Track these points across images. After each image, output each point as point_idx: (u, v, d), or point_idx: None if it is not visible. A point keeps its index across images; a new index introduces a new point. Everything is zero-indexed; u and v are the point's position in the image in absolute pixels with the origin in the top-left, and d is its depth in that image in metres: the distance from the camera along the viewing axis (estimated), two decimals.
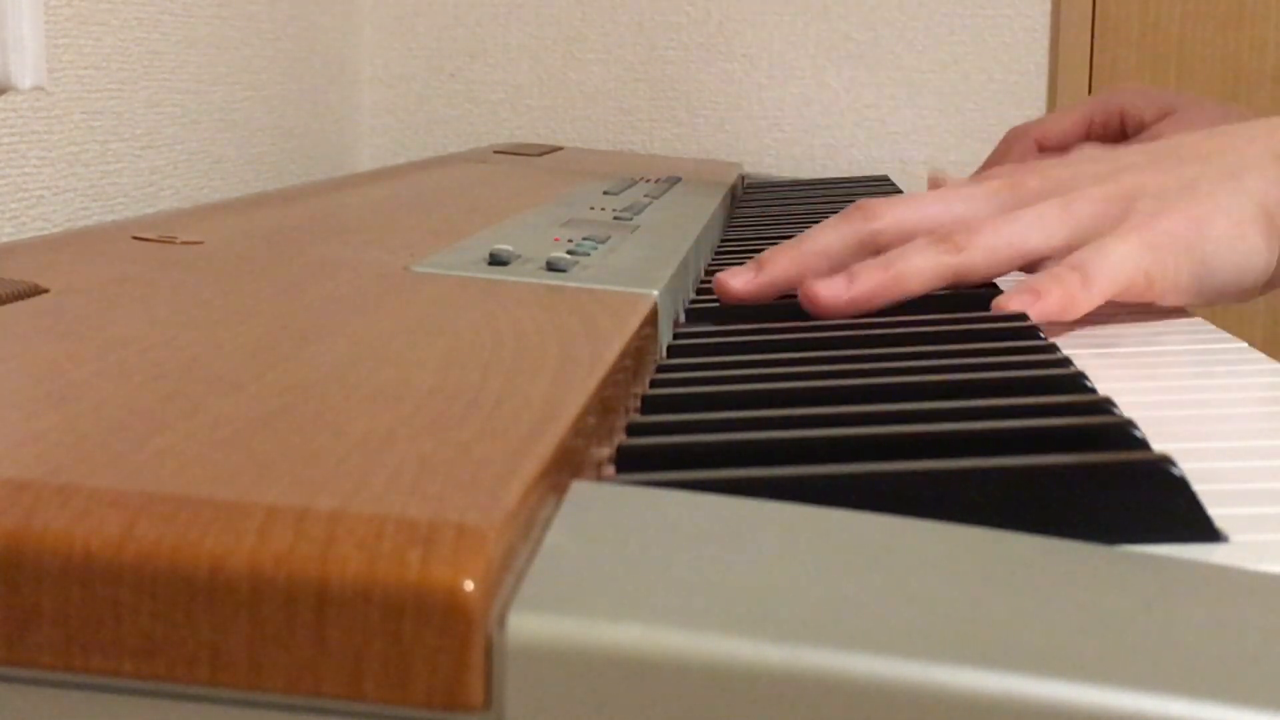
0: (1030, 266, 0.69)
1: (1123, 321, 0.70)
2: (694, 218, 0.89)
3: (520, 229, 0.77)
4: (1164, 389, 0.58)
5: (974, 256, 0.66)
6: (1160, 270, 0.65)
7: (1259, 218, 0.66)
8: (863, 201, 0.70)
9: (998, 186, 0.70)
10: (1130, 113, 1.01)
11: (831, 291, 0.65)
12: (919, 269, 0.65)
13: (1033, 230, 0.67)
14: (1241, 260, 0.66)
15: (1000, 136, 1.08)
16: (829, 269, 0.68)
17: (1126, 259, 0.65)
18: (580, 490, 0.34)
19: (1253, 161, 0.68)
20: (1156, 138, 0.90)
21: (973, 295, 0.69)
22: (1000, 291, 0.66)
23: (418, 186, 1.06)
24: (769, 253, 0.69)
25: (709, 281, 0.77)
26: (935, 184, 0.71)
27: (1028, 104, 1.61)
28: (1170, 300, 0.67)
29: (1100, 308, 0.68)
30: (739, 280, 0.68)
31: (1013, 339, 0.59)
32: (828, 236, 0.69)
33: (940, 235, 0.66)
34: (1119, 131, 1.02)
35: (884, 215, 0.69)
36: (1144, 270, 0.65)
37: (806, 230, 0.71)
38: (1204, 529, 0.38)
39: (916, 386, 0.51)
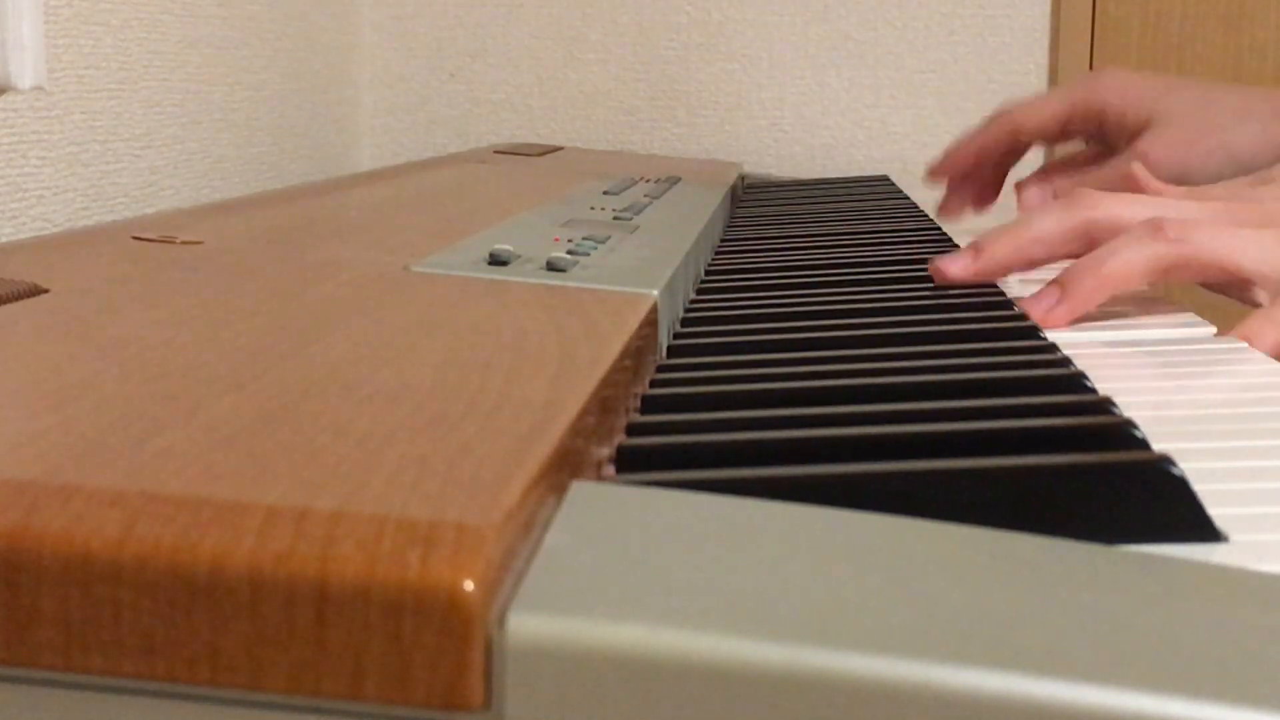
0: (1232, 287, 0.70)
1: (1122, 322, 0.70)
2: (694, 218, 0.89)
3: (520, 229, 0.77)
4: (1164, 389, 0.58)
5: (1188, 250, 0.66)
6: None
7: None
8: (1084, 190, 0.72)
9: (1215, 206, 0.71)
10: (1110, 115, 1.01)
11: (1042, 308, 0.67)
12: (1128, 262, 0.66)
13: (1250, 247, 0.67)
14: None
15: None
16: (1045, 255, 0.70)
17: None
18: (580, 490, 0.34)
19: None
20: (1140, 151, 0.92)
21: (980, 296, 0.69)
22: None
23: (418, 186, 1.06)
24: (987, 236, 0.71)
25: (709, 281, 0.77)
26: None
27: None
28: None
29: (1104, 303, 0.68)
30: (957, 265, 0.70)
31: (1013, 339, 0.59)
32: (1046, 223, 0.70)
33: (1154, 225, 0.67)
34: (1098, 129, 1.03)
35: (1102, 205, 0.70)
36: None
37: (1024, 215, 0.73)
38: (1204, 529, 0.38)
39: (916, 386, 0.51)
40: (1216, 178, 0.88)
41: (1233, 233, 0.68)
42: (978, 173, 1.09)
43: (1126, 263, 0.66)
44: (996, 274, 0.71)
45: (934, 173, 1.09)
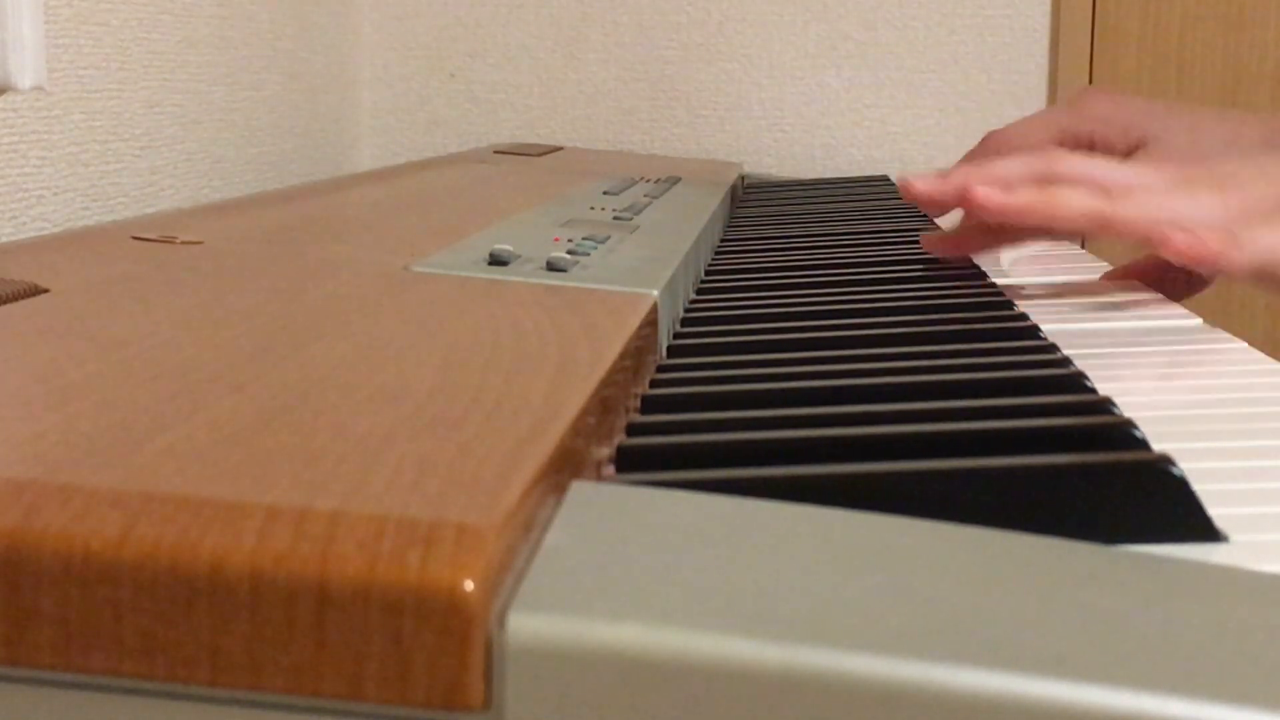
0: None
1: (1122, 322, 0.70)
2: (694, 218, 0.89)
3: (520, 229, 0.77)
4: (1164, 389, 0.58)
5: (1127, 210, 0.70)
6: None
7: None
8: (1054, 149, 0.77)
9: (1170, 169, 0.74)
10: (1098, 141, 1.00)
11: (986, 193, 0.71)
12: (1069, 203, 0.70)
13: (1188, 207, 0.71)
14: None
15: None
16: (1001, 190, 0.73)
17: (1276, 244, 0.68)
18: (580, 490, 0.34)
19: None
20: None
21: (980, 296, 0.69)
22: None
23: (418, 186, 1.06)
24: (954, 166, 0.77)
25: (709, 281, 0.77)
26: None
27: (1028, 104, 1.61)
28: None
29: (1104, 303, 0.69)
30: (923, 182, 0.75)
31: (1013, 339, 0.59)
32: (1013, 165, 0.75)
33: (1103, 186, 0.71)
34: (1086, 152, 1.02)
35: (1064, 162, 0.74)
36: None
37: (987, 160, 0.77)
38: (1204, 529, 0.38)
39: (916, 386, 0.51)
40: None
41: (1171, 195, 0.72)
42: None
43: (1068, 202, 0.70)
44: (957, 197, 0.74)
45: (927, 205, 1.09)
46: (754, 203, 1.21)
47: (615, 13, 1.64)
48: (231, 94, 1.24)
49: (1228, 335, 0.67)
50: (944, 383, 0.51)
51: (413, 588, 0.27)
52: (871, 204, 1.14)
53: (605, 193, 1.01)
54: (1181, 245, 0.67)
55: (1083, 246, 1.15)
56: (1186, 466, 0.39)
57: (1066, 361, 0.54)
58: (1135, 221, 0.70)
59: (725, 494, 0.35)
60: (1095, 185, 0.72)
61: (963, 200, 0.73)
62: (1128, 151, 0.98)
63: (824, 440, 0.44)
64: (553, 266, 0.63)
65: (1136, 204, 0.70)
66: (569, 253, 0.66)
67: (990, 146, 1.05)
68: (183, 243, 0.67)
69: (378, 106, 1.67)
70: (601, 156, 1.48)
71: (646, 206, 0.92)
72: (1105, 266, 0.91)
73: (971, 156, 1.08)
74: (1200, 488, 0.39)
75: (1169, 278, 0.81)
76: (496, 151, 1.43)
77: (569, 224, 0.81)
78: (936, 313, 0.65)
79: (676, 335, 0.63)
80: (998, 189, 0.71)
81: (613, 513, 0.33)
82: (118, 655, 0.27)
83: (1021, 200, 0.71)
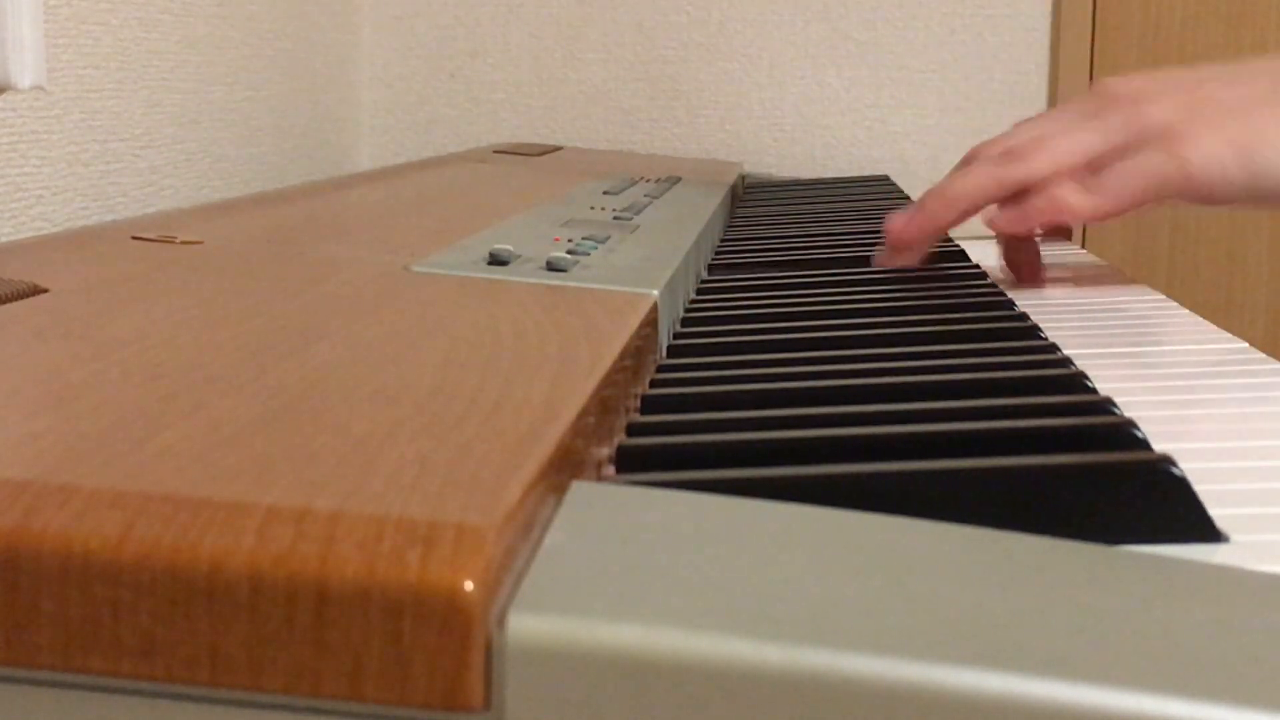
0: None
1: (1122, 322, 0.70)
2: (694, 218, 0.89)
3: (520, 229, 0.77)
4: (1164, 389, 0.58)
5: (1034, 165, 0.71)
6: (1205, 168, 0.69)
7: None
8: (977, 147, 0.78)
9: (1086, 101, 0.75)
10: None
11: (895, 224, 0.74)
12: (969, 189, 0.72)
13: (1097, 136, 0.71)
14: None
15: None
16: (969, 207, 0.75)
17: (1155, 164, 0.69)
18: (580, 490, 0.34)
19: None
20: None
21: (980, 295, 0.69)
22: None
23: (418, 186, 1.06)
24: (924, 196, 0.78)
25: (709, 281, 0.77)
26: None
27: (1028, 104, 1.61)
28: (1219, 198, 0.70)
29: (1107, 303, 0.69)
30: (899, 222, 0.77)
31: (1013, 339, 0.59)
32: (968, 180, 0.76)
33: (1007, 151, 0.73)
34: None
35: (982, 147, 0.76)
36: (1182, 171, 0.69)
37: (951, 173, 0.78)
38: (1205, 529, 0.38)
39: (916, 386, 0.51)
40: None
41: (1080, 129, 0.73)
42: None
43: (966, 189, 0.72)
44: (932, 228, 0.76)
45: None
46: (754, 203, 1.21)
47: (615, 13, 1.64)
48: (231, 94, 1.23)
49: (1228, 335, 0.67)
50: (944, 383, 0.51)
51: (412, 588, 0.27)
52: (871, 204, 1.14)
53: (605, 193, 1.01)
54: (1007, 222, 0.70)
55: (1083, 246, 1.15)
56: (1187, 466, 0.39)
57: (1067, 361, 0.54)
58: (1025, 180, 0.71)
59: (725, 494, 0.35)
60: (1000, 153, 0.73)
61: (887, 239, 0.76)
62: None
63: (824, 440, 0.44)
64: (553, 266, 0.63)
65: (1045, 155, 0.71)
66: (569, 253, 0.66)
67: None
68: (182, 243, 0.67)
69: (378, 106, 1.67)
70: (601, 156, 1.48)
71: (646, 206, 0.92)
72: (1105, 266, 0.91)
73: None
74: (1200, 488, 0.39)
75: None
76: (496, 151, 1.43)
77: (569, 224, 0.81)
78: (936, 313, 0.65)
79: (676, 335, 0.63)
80: (902, 216, 0.75)
81: (613, 513, 0.33)
82: (117, 655, 0.27)
83: (925, 210, 0.74)
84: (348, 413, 0.37)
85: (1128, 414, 0.45)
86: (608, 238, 0.74)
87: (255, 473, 0.31)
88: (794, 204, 1.17)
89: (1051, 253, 0.98)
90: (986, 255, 0.85)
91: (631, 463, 0.43)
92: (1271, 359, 0.62)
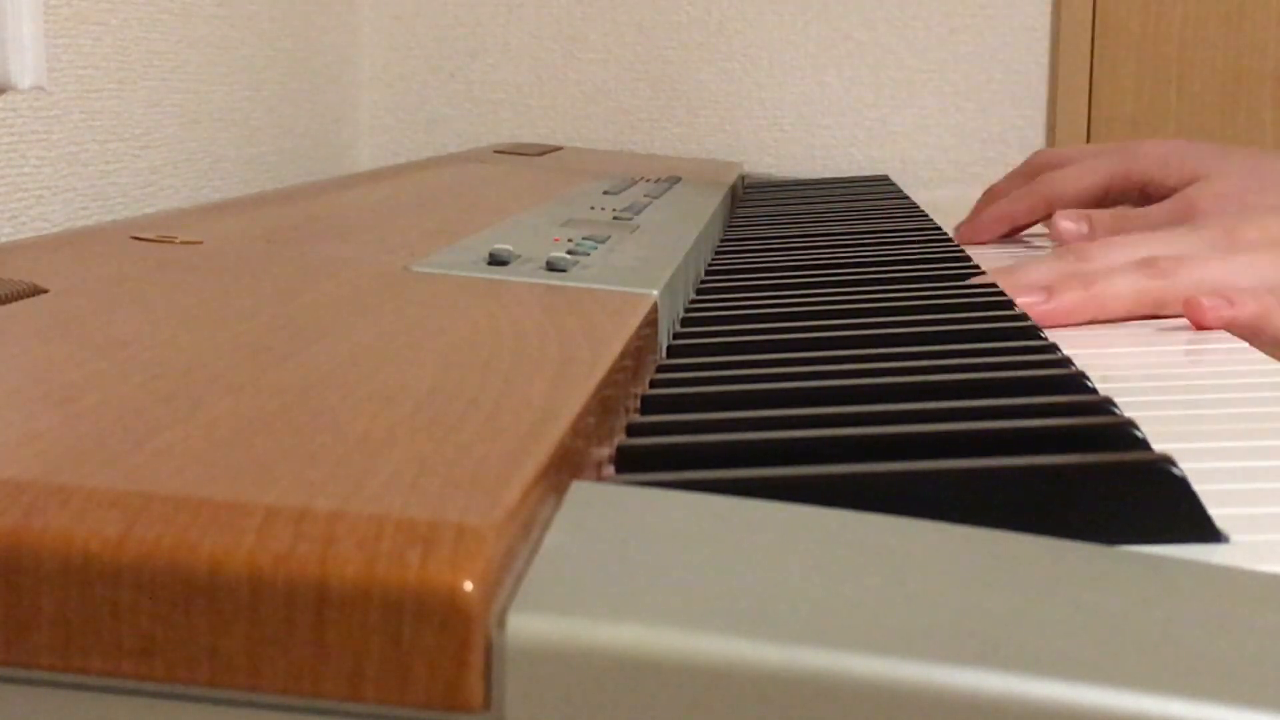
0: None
1: (1122, 322, 0.70)
2: (694, 218, 0.89)
3: (520, 229, 0.77)
4: (1164, 389, 0.58)
5: (1178, 284, 0.68)
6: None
7: None
8: (1077, 246, 0.73)
9: (1213, 234, 0.73)
10: (1153, 187, 0.98)
11: (1027, 302, 0.68)
12: (1118, 293, 0.69)
13: (1244, 273, 0.69)
14: None
15: (1000, 137, 1.07)
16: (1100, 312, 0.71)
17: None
18: (580, 490, 0.34)
19: None
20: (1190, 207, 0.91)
21: (980, 295, 0.69)
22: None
23: (418, 186, 1.06)
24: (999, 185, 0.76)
25: (709, 281, 0.77)
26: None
27: (1027, 104, 1.61)
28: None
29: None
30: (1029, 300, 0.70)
31: (1013, 339, 0.59)
32: (1043, 270, 0.72)
33: (1147, 262, 0.69)
34: (1138, 199, 1.00)
35: (1100, 255, 0.72)
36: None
37: (1019, 263, 0.74)
38: (1204, 529, 0.38)
39: (917, 386, 0.51)
40: None
41: (1224, 261, 0.69)
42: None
43: (1116, 292, 0.68)
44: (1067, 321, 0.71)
45: (965, 238, 1.06)
46: (754, 203, 1.21)
47: (615, 13, 1.64)
48: (231, 94, 1.23)
49: (1228, 335, 0.67)
50: (944, 383, 0.51)
51: (412, 588, 0.27)
52: (871, 204, 1.14)
53: (605, 193, 1.01)
54: (1211, 316, 0.66)
55: None
56: (1187, 466, 0.39)
57: (1067, 361, 0.54)
58: (1188, 293, 0.68)
59: (725, 494, 0.35)
60: (1140, 264, 0.70)
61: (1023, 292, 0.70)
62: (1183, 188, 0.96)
63: (824, 440, 0.44)
64: (553, 266, 0.63)
65: (1187, 277, 0.68)
66: (569, 253, 0.66)
67: (1040, 195, 1.03)
68: (182, 243, 0.67)
69: (378, 106, 1.67)
70: (601, 156, 1.48)
71: (646, 206, 0.92)
72: None
73: (1015, 177, 1.07)
74: (1200, 488, 0.39)
75: None
76: (496, 151, 1.43)
77: (569, 224, 0.81)
78: (937, 313, 0.65)
79: (676, 335, 0.63)
80: (1038, 297, 0.69)
81: (613, 513, 0.33)
82: (117, 656, 0.27)
83: (1068, 303, 0.69)
84: (347, 413, 0.37)
85: (1127, 414, 0.45)
86: (608, 238, 0.74)
87: (255, 473, 0.31)
88: (794, 204, 1.17)
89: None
90: (987, 255, 0.85)
91: (631, 463, 0.43)
92: (1271, 359, 0.62)
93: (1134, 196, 1.00)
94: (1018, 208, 1.04)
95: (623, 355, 0.47)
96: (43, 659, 0.28)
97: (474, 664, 0.27)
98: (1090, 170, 1.02)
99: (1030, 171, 1.06)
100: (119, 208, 1.02)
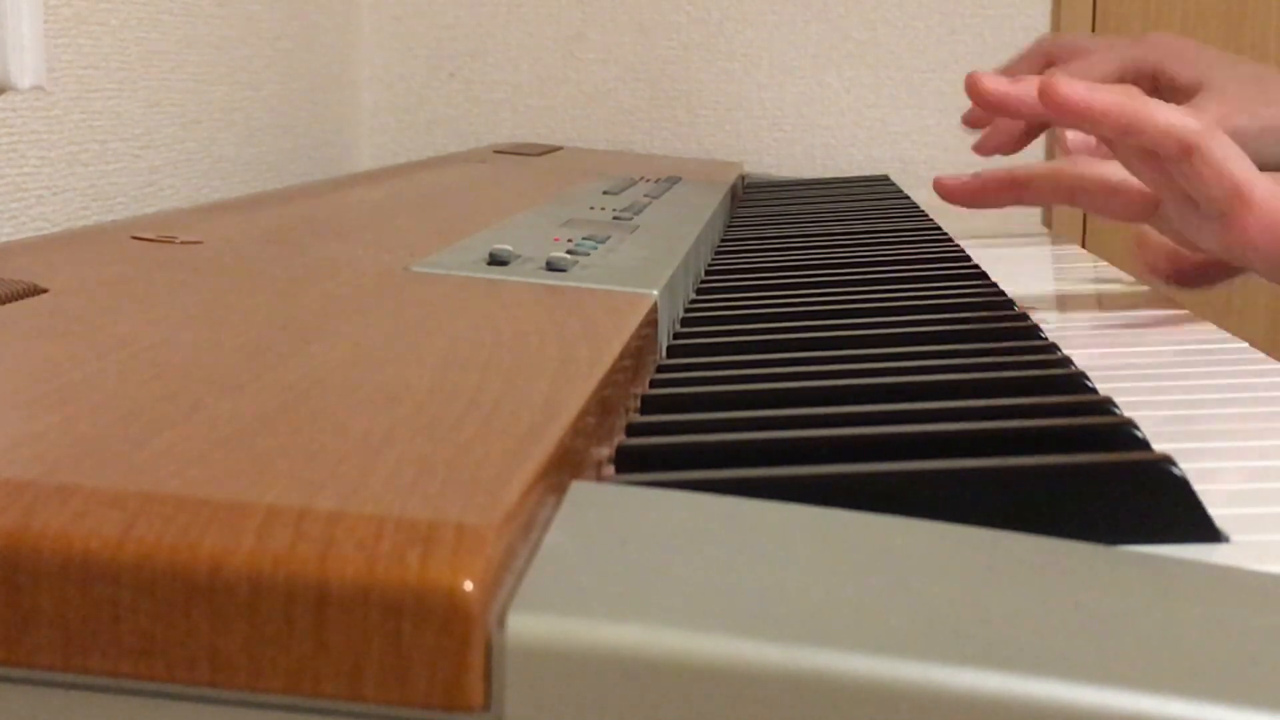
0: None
1: (1122, 322, 0.70)
2: (694, 218, 0.89)
3: (520, 229, 0.77)
4: (1164, 389, 0.58)
5: (1214, 149, 0.65)
6: None
7: None
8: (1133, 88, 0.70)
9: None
10: (1163, 78, 0.97)
11: (1071, 86, 0.65)
12: (1161, 112, 0.65)
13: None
14: None
15: None
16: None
17: None
18: (580, 490, 0.34)
19: None
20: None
21: (980, 295, 0.69)
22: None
23: (418, 186, 1.06)
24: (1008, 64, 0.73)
25: (709, 281, 0.77)
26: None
27: None
28: None
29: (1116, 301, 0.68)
30: (990, 81, 0.69)
31: (1013, 339, 0.59)
32: (1093, 85, 0.68)
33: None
34: (1148, 90, 1.00)
35: (1150, 100, 0.68)
36: None
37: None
38: (1205, 529, 0.38)
39: (916, 386, 0.51)
40: (1266, 153, 0.87)
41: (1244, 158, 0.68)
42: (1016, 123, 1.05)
43: (1159, 110, 0.65)
44: (1029, 98, 0.69)
45: (988, 147, 1.03)
46: (754, 203, 1.21)
47: (615, 13, 1.64)
48: (231, 94, 1.23)
49: (1228, 335, 0.67)
50: (944, 383, 0.51)
51: (412, 588, 0.27)
52: (871, 204, 1.14)
53: (605, 193, 1.01)
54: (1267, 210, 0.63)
55: (1083, 245, 1.15)
56: (1187, 466, 0.39)
57: (1067, 361, 0.54)
58: (1223, 163, 0.65)
59: (725, 494, 0.35)
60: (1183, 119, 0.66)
61: (1041, 95, 0.66)
62: (1190, 91, 0.96)
63: (824, 440, 0.44)
64: (553, 266, 0.63)
65: (1222, 146, 0.65)
66: (569, 253, 0.66)
67: (1044, 49, 1.02)
68: (182, 243, 0.67)
69: (378, 106, 1.67)
70: (601, 156, 1.48)
71: (646, 206, 0.92)
72: (1105, 266, 0.91)
73: (1023, 61, 1.06)
74: (1201, 488, 0.39)
75: (1205, 269, 0.77)
76: (496, 151, 1.43)
77: (569, 224, 0.81)
78: (936, 313, 0.65)
79: (676, 335, 0.63)
80: (1081, 87, 0.65)
81: (613, 513, 0.33)
82: (117, 655, 0.27)
83: (1109, 99, 0.65)
84: (347, 413, 0.37)
85: (1127, 414, 0.45)
86: (608, 238, 0.74)
87: (255, 473, 0.31)
88: (794, 204, 1.17)
89: (1051, 253, 0.98)
90: (986, 256, 0.85)
91: (631, 463, 0.43)
92: (1271, 359, 0.62)
93: (1144, 87, 1.00)
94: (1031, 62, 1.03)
95: (622, 355, 0.47)
96: (43, 659, 0.28)
97: (474, 664, 0.27)
98: (1103, 58, 1.00)
99: (1039, 55, 1.05)
100: (119, 208, 1.02)
